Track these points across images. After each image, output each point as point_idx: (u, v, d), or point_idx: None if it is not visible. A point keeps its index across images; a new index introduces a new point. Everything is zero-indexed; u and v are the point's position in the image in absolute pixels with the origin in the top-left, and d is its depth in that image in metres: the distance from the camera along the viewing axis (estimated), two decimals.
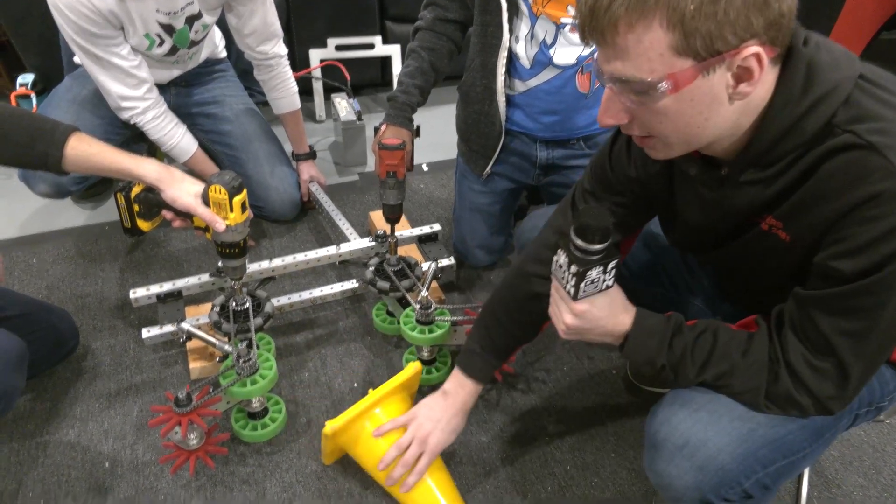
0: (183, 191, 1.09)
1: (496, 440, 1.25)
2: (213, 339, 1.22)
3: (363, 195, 1.90)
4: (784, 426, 0.81)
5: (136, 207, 1.13)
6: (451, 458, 1.20)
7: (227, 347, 1.21)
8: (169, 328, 1.34)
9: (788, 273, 0.79)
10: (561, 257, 0.81)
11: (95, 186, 1.82)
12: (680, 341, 0.82)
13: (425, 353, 1.29)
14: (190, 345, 1.36)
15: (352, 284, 1.47)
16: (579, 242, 0.76)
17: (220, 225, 1.08)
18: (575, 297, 0.80)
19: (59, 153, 1.03)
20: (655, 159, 0.78)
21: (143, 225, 1.15)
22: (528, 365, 1.40)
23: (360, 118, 1.92)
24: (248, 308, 1.22)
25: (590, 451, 1.24)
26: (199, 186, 1.10)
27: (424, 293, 1.26)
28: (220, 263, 1.23)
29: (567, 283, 0.81)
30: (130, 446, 1.23)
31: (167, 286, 1.33)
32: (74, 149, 1.05)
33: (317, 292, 1.45)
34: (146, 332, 1.34)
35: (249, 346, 1.16)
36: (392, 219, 1.27)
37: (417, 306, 1.24)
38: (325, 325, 1.48)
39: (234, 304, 1.22)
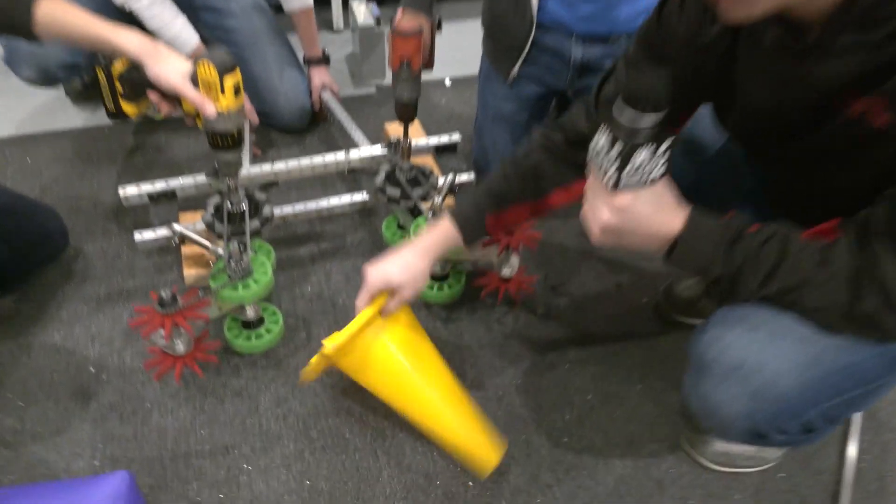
0: (169, 68, 0.96)
1: (511, 365, 1.14)
2: (205, 242, 1.12)
3: (379, 108, 1.75)
4: (858, 352, 0.68)
5: (118, 86, 1.01)
6: (462, 381, 1.11)
7: (220, 251, 1.11)
8: (163, 232, 1.24)
9: (875, 172, 0.65)
10: (601, 139, 0.67)
11: (96, 88, 1.71)
12: (741, 248, 0.68)
13: (437, 268, 1.17)
14: (185, 250, 1.26)
15: (361, 196, 1.35)
16: (627, 112, 0.62)
17: (210, 109, 0.95)
18: (616, 187, 0.67)
19: (29, 14, 0.91)
20: (723, 21, 0.63)
21: (127, 108, 1.03)
22: (550, 290, 1.28)
23: (379, 23, 1.76)
24: (244, 210, 1.11)
25: (613, 381, 1.13)
26: (188, 65, 0.97)
27: (438, 201, 1.14)
28: (215, 163, 1.12)
29: (607, 170, 0.67)
30: (118, 352, 1.15)
31: (160, 185, 1.23)
32: (47, 12, 0.93)
33: (323, 203, 1.34)
34: (138, 235, 1.24)
35: (244, 249, 1.05)
36: (405, 118, 1.14)
37: (430, 214, 1.12)
38: (331, 239, 1.37)
39: (228, 204, 1.11)
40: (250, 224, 1.11)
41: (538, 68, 1.24)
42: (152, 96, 1.01)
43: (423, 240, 0.96)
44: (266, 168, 1.27)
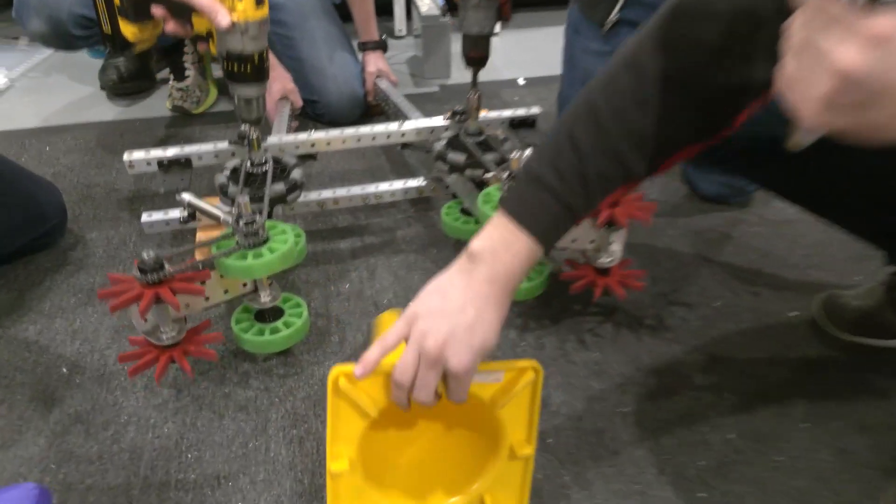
0: None
1: (613, 389, 0.83)
2: (216, 211, 0.88)
3: (442, 105, 1.53)
4: None
5: (116, 0, 0.81)
6: (546, 408, 0.80)
7: (230, 220, 0.86)
8: (174, 213, 1.01)
9: None
10: None
11: (134, 82, 1.56)
12: None
13: None
14: (200, 235, 1.03)
15: (417, 182, 1.10)
16: None
17: (224, 18, 0.73)
18: (873, 2, 0.39)
19: None
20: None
21: (127, 30, 0.83)
22: (660, 296, 0.97)
23: (444, 14, 1.56)
24: (266, 171, 0.87)
25: (764, 417, 0.79)
26: None
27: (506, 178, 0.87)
28: (241, 127, 0.89)
29: None
30: (100, 351, 0.90)
31: (173, 150, 1.01)
32: None
33: (371, 188, 1.09)
34: (146, 217, 1.02)
35: (260, 211, 0.80)
36: (474, 59, 0.89)
37: (505, 178, 0.84)
38: (378, 233, 1.12)
39: (248, 163, 0.88)
40: (274, 188, 0.87)
41: (643, 9, 0.97)
42: (157, 11, 0.79)
43: (506, 275, 0.58)
44: (302, 137, 1.04)
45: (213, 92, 1.54)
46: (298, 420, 0.80)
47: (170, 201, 1.18)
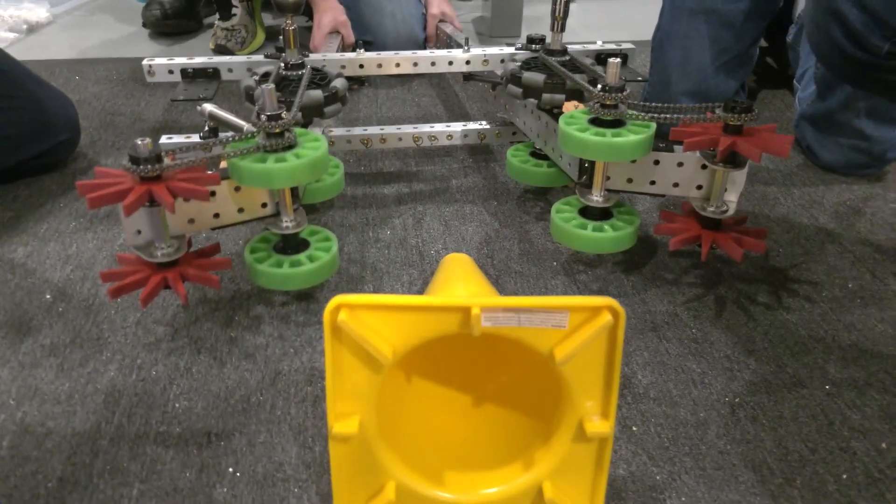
0: None
1: (719, 374, 0.64)
2: (239, 121, 0.73)
3: None
4: None
5: None
6: (625, 395, 0.62)
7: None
8: (195, 138, 0.87)
9: None
10: None
11: (178, 20, 1.45)
12: None
13: (596, 197, 0.70)
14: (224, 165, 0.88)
15: (478, 126, 0.94)
16: None
17: None
18: None
19: None
20: None
21: None
22: (775, 271, 0.78)
23: None
24: (303, 73, 0.72)
25: None
26: None
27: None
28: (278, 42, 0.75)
29: None
30: (93, 280, 0.76)
31: (199, 59, 0.87)
32: None
33: (425, 128, 0.93)
34: (165, 139, 0.88)
35: (288, 109, 0.64)
36: None
37: (598, 91, 0.66)
38: (429, 181, 0.95)
39: (282, 65, 0.72)
40: (309, 93, 0.71)
41: None
42: None
43: None
44: (350, 56, 0.88)
45: (261, 35, 1.42)
46: (315, 376, 0.64)
47: (197, 129, 1.05)
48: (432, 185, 0.94)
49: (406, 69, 0.88)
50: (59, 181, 0.94)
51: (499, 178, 0.95)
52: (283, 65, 0.73)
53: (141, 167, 0.56)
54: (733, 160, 0.65)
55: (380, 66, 0.88)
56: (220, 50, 1.36)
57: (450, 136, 0.94)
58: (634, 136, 0.64)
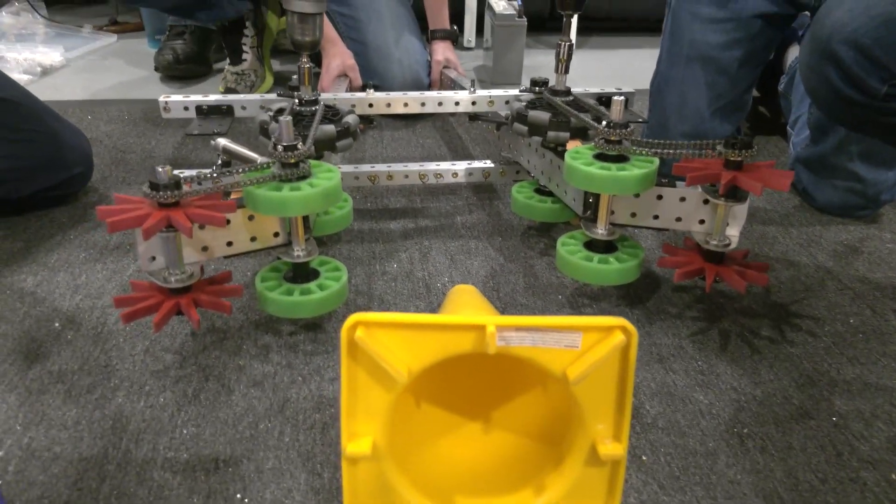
0: None
1: (726, 405, 0.64)
2: (253, 155, 0.75)
3: None
4: None
5: None
6: (645, 436, 0.62)
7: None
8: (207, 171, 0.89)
9: None
10: None
11: (189, 64, 1.49)
12: None
13: (600, 230, 0.72)
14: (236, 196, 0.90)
15: (482, 164, 0.96)
16: None
17: None
18: None
19: None
20: None
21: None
22: (777, 307, 0.79)
23: (521, 15, 1.46)
24: (316, 110, 0.74)
25: None
26: None
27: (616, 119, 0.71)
28: (292, 80, 0.78)
29: None
30: (101, 308, 0.76)
31: (214, 97, 0.89)
32: None
33: (430, 166, 0.96)
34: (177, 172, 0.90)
35: (303, 140, 0.66)
36: (569, 1, 0.76)
37: (603, 127, 0.68)
38: (434, 217, 0.97)
39: (296, 101, 0.75)
40: (322, 128, 0.74)
41: None
42: None
43: None
44: (360, 95, 0.91)
45: (269, 79, 1.46)
46: (323, 404, 0.64)
47: (207, 165, 1.07)
48: (437, 221, 0.96)
49: (414, 108, 0.91)
50: (71, 214, 0.95)
51: (503, 216, 0.97)
52: (297, 101, 0.76)
53: (160, 193, 0.57)
54: (734, 195, 0.67)
55: (389, 105, 0.91)
56: (230, 93, 1.40)
57: (455, 174, 0.96)
58: (639, 170, 0.66)
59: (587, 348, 0.44)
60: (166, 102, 0.89)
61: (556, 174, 0.80)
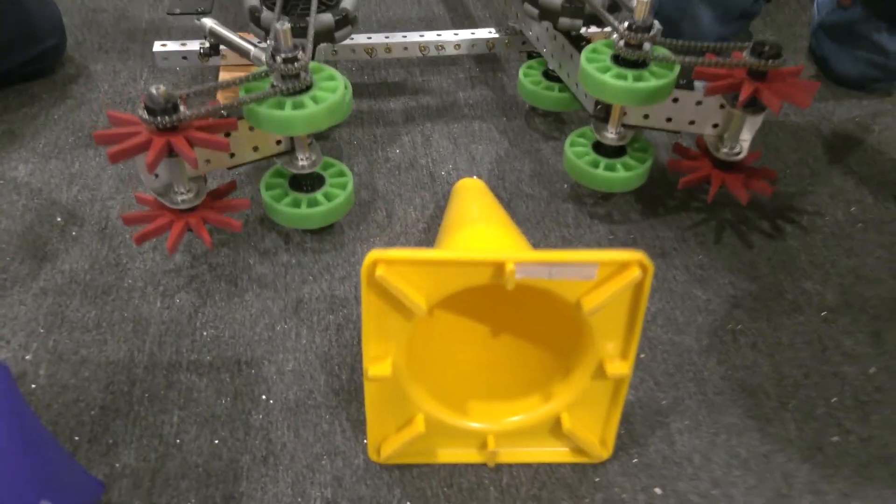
0: None
1: (723, 301, 0.67)
2: (246, 44, 0.69)
3: None
4: None
5: None
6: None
7: (263, 57, 0.68)
8: (194, 45, 0.83)
9: None
10: None
11: None
12: None
13: (611, 133, 0.70)
14: (223, 75, 0.85)
15: (487, 33, 0.90)
16: None
17: None
18: None
19: None
20: None
21: None
22: (780, 196, 0.79)
23: None
24: None
25: None
26: None
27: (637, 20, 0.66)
28: None
29: None
30: (102, 201, 0.75)
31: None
32: None
33: (431, 36, 0.89)
34: (159, 46, 0.84)
35: (303, 48, 0.61)
36: None
37: (623, 29, 0.63)
38: (436, 93, 0.93)
39: None
40: (320, 18, 0.68)
41: None
42: None
43: None
44: None
45: None
46: (336, 304, 0.66)
47: (189, 34, 0.99)
48: (439, 99, 0.92)
49: None
50: (50, 88, 0.90)
51: (507, 91, 0.93)
52: None
53: (158, 119, 0.53)
54: (752, 104, 0.64)
55: None
56: None
57: (457, 46, 0.90)
58: (656, 80, 0.62)
59: (603, 279, 0.45)
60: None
61: (567, 62, 0.76)
